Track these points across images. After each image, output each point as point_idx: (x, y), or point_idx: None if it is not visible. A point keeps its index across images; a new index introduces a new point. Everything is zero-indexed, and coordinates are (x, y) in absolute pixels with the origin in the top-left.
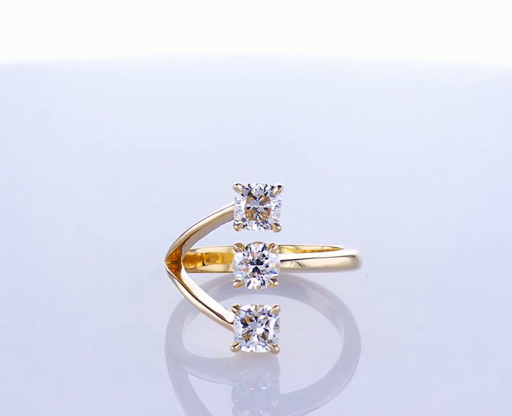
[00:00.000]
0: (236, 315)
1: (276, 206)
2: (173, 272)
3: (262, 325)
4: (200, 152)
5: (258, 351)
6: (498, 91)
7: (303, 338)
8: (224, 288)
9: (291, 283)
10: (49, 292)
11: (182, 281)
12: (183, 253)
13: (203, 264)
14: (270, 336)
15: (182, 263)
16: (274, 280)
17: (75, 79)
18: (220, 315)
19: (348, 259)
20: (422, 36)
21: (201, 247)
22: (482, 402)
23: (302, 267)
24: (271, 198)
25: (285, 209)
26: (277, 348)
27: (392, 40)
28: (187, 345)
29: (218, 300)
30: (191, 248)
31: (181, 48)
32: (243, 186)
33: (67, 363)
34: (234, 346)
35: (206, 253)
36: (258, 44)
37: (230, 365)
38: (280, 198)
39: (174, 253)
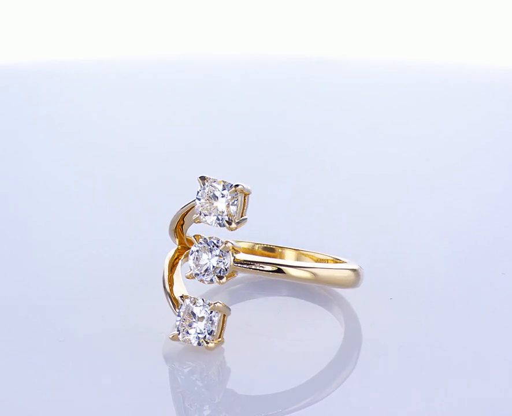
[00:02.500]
0: (181, 305)
1: (231, 205)
2: (177, 256)
3: (201, 319)
4: (200, 152)
5: (193, 344)
6: (499, 91)
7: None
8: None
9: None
10: (48, 292)
11: (171, 265)
12: (184, 234)
13: None
14: (205, 332)
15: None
16: (220, 277)
17: (75, 80)
18: (176, 302)
19: (349, 273)
20: (421, 36)
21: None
22: (482, 402)
23: (311, 278)
24: (225, 196)
25: (285, 209)
26: (210, 345)
27: (392, 41)
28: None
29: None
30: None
31: (180, 48)
32: (203, 179)
33: (67, 363)
34: (171, 336)
35: None
36: (258, 45)
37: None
38: (237, 197)
39: (181, 233)
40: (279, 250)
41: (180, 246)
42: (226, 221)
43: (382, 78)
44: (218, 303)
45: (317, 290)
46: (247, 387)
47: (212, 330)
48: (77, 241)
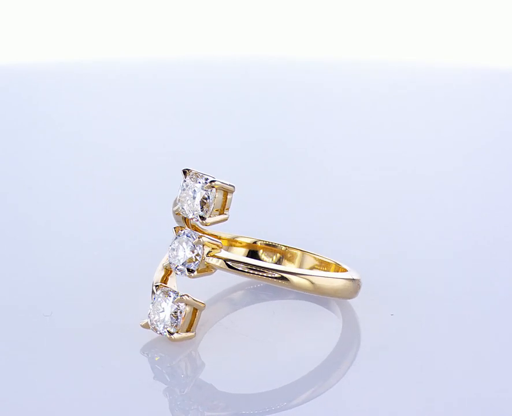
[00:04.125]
0: (154, 295)
1: (203, 199)
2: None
3: (167, 309)
4: (200, 153)
5: (159, 333)
6: (499, 91)
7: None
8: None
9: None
10: (47, 293)
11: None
12: None
13: None
14: (170, 322)
15: None
16: (191, 271)
17: (75, 80)
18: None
19: (349, 283)
20: (421, 36)
21: (219, 231)
22: (482, 402)
23: (310, 288)
24: (199, 189)
25: (285, 209)
26: (174, 336)
27: (392, 41)
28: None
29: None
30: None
31: (180, 49)
32: (184, 173)
33: (66, 363)
34: (143, 323)
35: (221, 238)
36: (258, 45)
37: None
38: (212, 194)
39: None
40: (283, 247)
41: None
42: (199, 215)
43: (383, 79)
44: (185, 296)
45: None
46: (241, 386)
47: (176, 323)
48: (77, 241)
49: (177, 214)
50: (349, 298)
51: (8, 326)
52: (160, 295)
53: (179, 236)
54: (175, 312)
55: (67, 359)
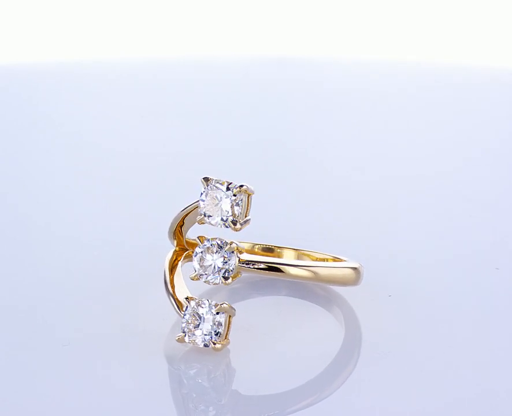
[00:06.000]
0: (185, 307)
1: (235, 205)
2: (176, 258)
3: (207, 320)
4: (200, 153)
5: (199, 345)
6: (499, 91)
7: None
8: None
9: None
10: (47, 293)
11: (171, 267)
12: (184, 235)
13: None
14: (212, 332)
15: (186, 252)
16: (226, 278)
17: (75, 80)
18: (180, 305)
19: (350, 271)
20: (422, 36)
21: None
22: (482, 402)
23: (310, 277)
24: (231, 196)
25: (285, 209)
26: (217, 346)
27: (392, 41)
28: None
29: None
30: (200, 236)
31: (180, 49)
32: (206, 180)
33: (66, 363)
34: (177, 338)
35: None
36: (257, 45)
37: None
38: (242, 198)
39: (180, 236)
40: (278, 250)
41: (177, 248)
42: (231, 221)
43: (384, 79)
44: (224, 304)
45: (316, 290)
46: (250, 388)
47: (218, 331)
48: (77, 241)
49: (201, 223)
50: (353, 285)
51: (7, 326)
52: (195, 306)
53: (207, 245)
54: (217, 322)
55: (67, 360)
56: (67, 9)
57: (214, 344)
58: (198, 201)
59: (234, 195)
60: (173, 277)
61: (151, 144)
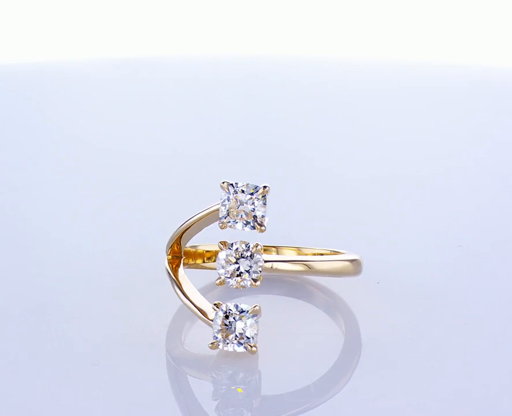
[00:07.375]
0: (215, 313)
1: (261, 206)
2: (173, 266)
3: (240, 324)
4: (200, 153)
5: (234, 350)
6: (499, 91)
7: (295, 339)
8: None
9: (291, 281)
10: (47, 293)
11: (176, 276)
12: (182, 247)
13: (203, 261)
14: (247, 336)
15: (182, 259)
16: (255, 280)
17: (75, 80)
18: (203, 312)
19: (349, 263)
20: (422, 36)
21: (202, 244)
22: (482, 402)
23: (307, 270)
24: (255, 198)
25: (286, 211)
26: (254, 348)
27: (393, 41)
28: (186, 343)
29: (222, 299)
30: (193, 245)
31: (180, 48)
32: (229, 184)
33: (66, 363)
34: (212, 344)
35: (207, 250)
36: (258, 45)
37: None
38: (265, 199)
39: (175, 248)
40: (273, 249)
41: (170, 256)
42: (257, 223)
43: (384, 79)
44: (256, 307)
45: (312, 290)
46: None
47: (255, 334)
48: (77, 242)
49: (223, 228)
50: (354, 275)
51: (8, 326)
52: (227, 311)
53: (229, 249)
54: (252, 325)
55: (67, 361)
56: (67, 9)
57: (251, 347)
58: (217, 205)
59: (258, 196)
60: (181, 285)
61: (151, 144)
